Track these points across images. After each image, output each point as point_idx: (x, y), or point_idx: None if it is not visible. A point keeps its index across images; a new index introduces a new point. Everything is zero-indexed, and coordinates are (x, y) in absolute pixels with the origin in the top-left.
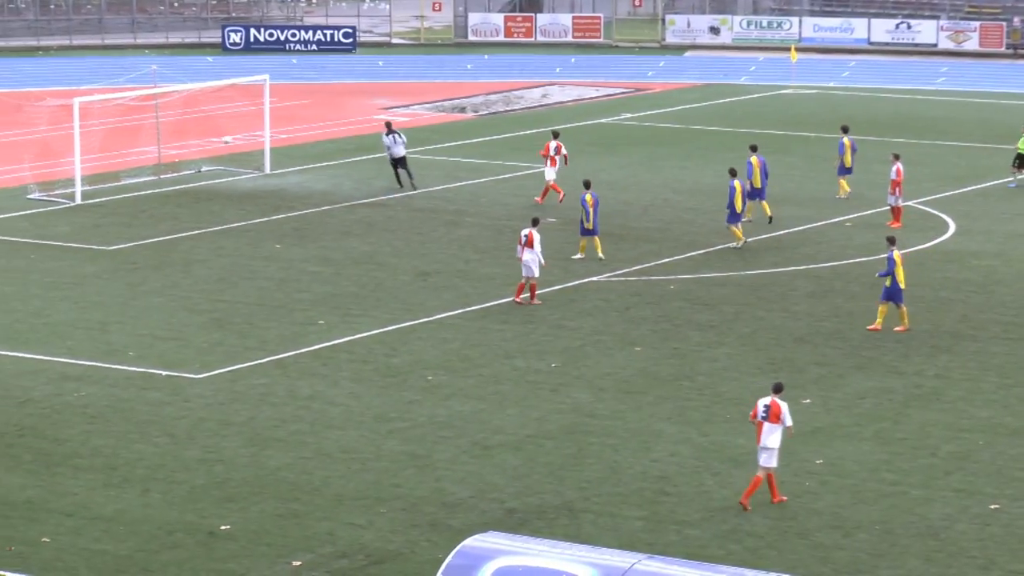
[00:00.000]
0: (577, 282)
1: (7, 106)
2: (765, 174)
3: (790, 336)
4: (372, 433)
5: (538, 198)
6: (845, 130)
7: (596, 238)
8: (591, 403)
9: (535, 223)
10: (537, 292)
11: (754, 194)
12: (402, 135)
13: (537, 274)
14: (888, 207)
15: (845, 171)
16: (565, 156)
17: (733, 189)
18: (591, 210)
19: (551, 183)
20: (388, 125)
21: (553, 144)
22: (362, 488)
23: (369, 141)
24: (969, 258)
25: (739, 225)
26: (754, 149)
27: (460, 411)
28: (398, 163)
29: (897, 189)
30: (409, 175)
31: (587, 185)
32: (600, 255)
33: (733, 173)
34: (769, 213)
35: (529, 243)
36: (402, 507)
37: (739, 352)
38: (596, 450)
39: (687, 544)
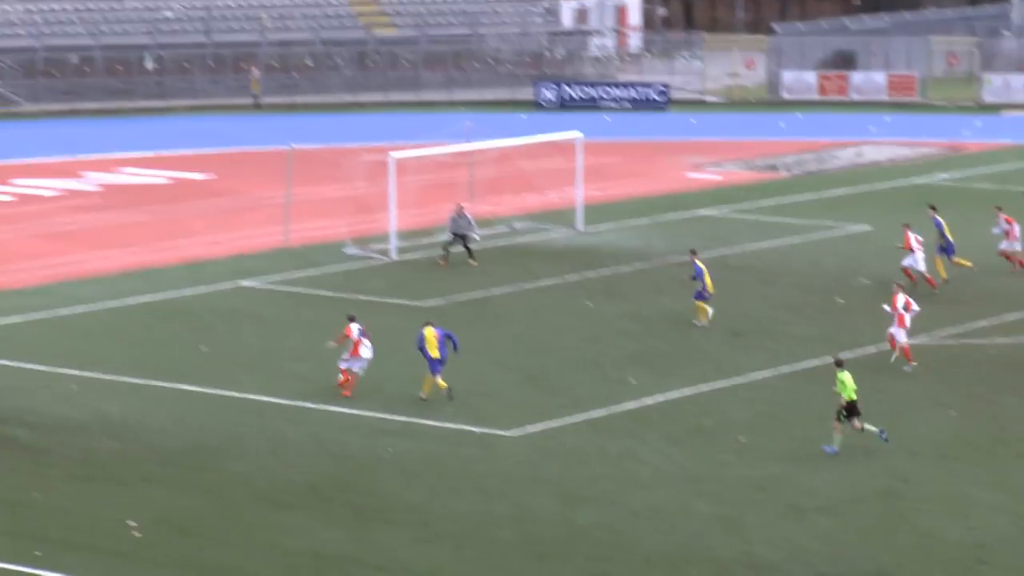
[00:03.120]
0: None
1: (325, 161)
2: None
3: None
4: (682, 493)
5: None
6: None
7: None
8: (905, 467)
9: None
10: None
11: (700, 296)
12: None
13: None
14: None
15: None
16: None
17: (700, 270)
18: None
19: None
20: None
21: None
22: (671, 549)
23: (682, 199)
24: None
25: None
26: (694, 253)
27: (772, 473)
28: (462, 237)
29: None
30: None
31: None
32: None
33: (694, 252)
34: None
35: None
36: (712, 569)
37: None
38: (910, 515)
39: None
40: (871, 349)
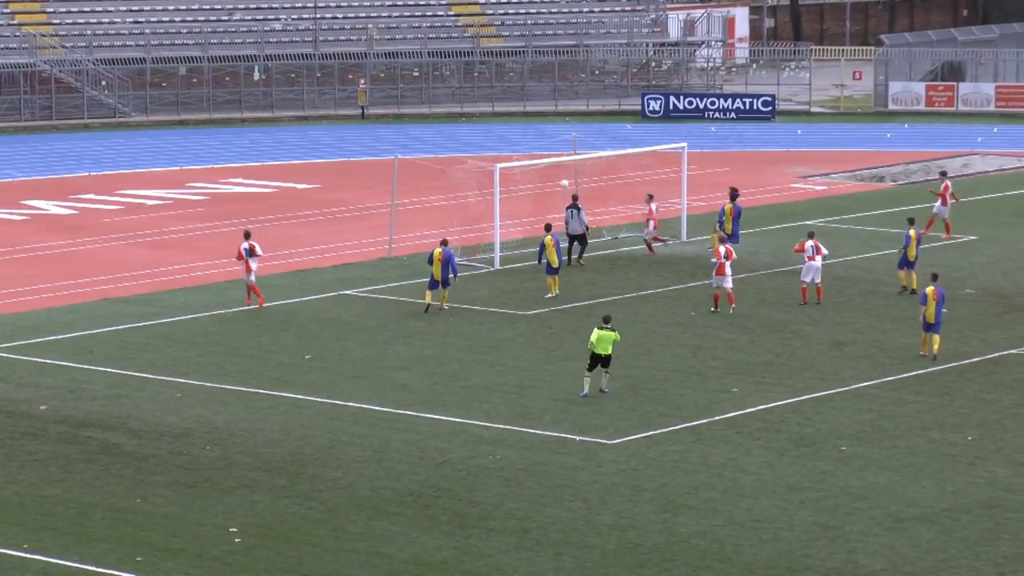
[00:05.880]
0: (997, 354)
1: (431, 171)
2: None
3: None
4: (784, 503)
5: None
6: (911, 222)
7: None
8: (1009, 477)
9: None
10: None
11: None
12: (581, 212)
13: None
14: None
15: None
16: None
17: (909, 238)
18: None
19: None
20: (574, 198)
21: None
22: (773, 558)
23: (787, 210)
24: None
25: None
26: (548, 229)
27: (874, 482)
28: (576, 239)
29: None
30: (581, 252)
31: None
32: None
33: (911, 222)
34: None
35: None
36: None
37: None
38: (1014, 526)
39: None
40: (976, 359)
